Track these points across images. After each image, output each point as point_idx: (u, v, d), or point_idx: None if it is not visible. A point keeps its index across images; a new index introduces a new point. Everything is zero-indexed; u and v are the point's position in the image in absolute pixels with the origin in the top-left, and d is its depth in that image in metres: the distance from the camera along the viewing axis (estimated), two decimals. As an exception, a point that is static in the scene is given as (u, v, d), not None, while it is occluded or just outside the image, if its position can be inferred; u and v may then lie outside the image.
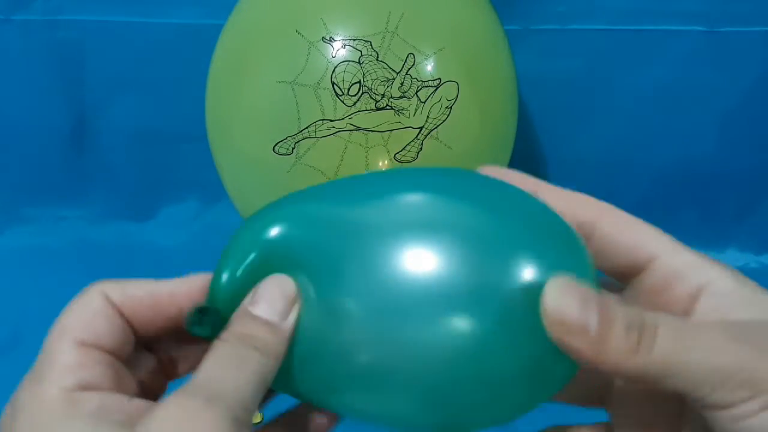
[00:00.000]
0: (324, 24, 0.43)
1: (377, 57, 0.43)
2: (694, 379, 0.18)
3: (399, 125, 0.44)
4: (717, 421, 0.18)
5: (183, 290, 0.23)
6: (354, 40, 0.43)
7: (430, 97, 0.44)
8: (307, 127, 0.43)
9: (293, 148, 0.44)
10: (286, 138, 0.44)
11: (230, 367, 0.20)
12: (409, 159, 0.44)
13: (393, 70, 0.43)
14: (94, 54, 0.63)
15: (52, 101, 0.65)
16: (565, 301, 0.18)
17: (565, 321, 0.18)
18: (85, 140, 0.68)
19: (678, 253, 0.20)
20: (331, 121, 0.43)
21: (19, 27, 0.61)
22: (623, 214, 0.21)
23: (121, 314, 0.21)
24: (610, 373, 0.18)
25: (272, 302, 0.21)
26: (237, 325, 0.21)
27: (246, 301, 0.21)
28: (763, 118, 0.63)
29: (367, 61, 0.43)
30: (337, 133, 0.43)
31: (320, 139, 0.43)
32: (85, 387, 0.20)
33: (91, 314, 0.21)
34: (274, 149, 0.45)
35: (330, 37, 0.43)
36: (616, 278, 0.22)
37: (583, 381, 0.21)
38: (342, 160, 0.44)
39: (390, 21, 0.43)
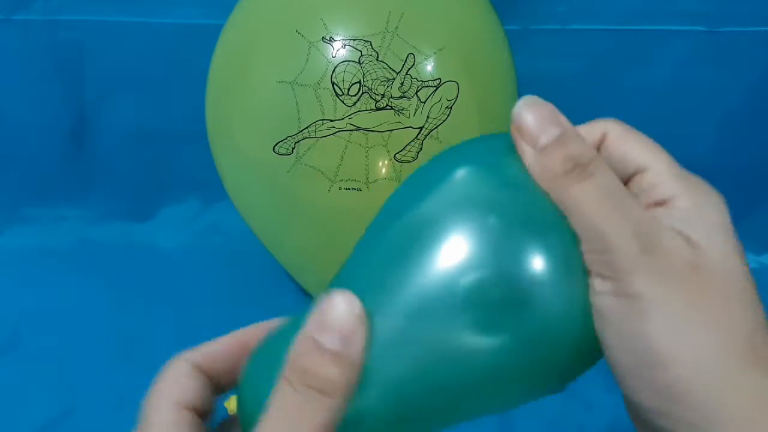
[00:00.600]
0: (324, 24, 0.43)
1: (377, 57, 0.43)
2: (582, 226, 0.20)
3: (399, 125, 0.44)
4: (589, 283, 0.20)
5: (251, 338, 0.23)
6: (354, 40, 0.43)
7: (430, 97, 0.44)
8: (307, 127, 0.43)
9: (293, 148, 0.44)
10: (286, 138, 0.44)
11: (293, 420, 0.18)
12: (409, 159, 0.44)
13: (393, 70, 0.43)
14: (94, 54, 0.63)
15: (52, 101, 0.65)
16: (531, 110, 0.21)
17: (521, 126, 0.21)
18: (85, 140, 0.68)
19: (665, 169, 0.22)
20: (331, 121, 0.43)
21: (19, 27, 0.61)
22: (622, 128, 0.23)
23: (204, 373, 0.22)
24: (541, 183, 0.20)
25: (340, 326, 0.19)
26: (298, 359, 0.19)
27: (311, 326, 0.19)
28: (763, 118, 0.63)
29: (367, 61, 0.43)
30: (337, 133, 0.43)
31: (320, 139, 0.43)
32: None
33: (181, 377, 0.22)
34: (274, 149, 0.45)
35: (330, 37, 0.43)
36: None
37: None
38: (342, 160, 0.44)
39: (390, 21, 0.43)
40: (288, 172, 0.45)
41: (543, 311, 0.20)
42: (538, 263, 0.20)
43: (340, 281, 0.21)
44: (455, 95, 0.44)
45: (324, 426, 0.18)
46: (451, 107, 0.44)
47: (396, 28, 0.43)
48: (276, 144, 0.44)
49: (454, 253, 0.20)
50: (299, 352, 0.19)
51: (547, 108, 0.21)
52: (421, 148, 0.44)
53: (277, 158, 0.45)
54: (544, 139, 0.20)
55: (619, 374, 0.20)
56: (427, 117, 0.44)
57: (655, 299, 0.19)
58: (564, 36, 0.60)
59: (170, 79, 0.63)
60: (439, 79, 0.44)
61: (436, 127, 0.44)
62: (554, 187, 0.20)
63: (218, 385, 0.23)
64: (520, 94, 0.54)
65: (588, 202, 0.19)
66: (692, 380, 0.18)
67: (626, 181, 0.22)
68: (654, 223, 0.20)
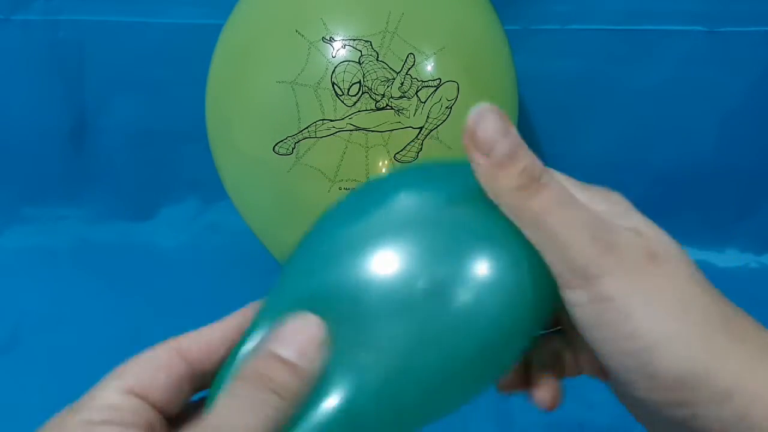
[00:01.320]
0: (324, 24, 0.43)
1: (377, 57, 0.43)
2: (548, 244, 0.20)
3: (399, 125, 0.44)
4: (564, 299, 0.21)
5: (240, 323, 0.23)
6: (354, 40, 0.43)
7: (430, 97, 0.44)
8: (307, 127, 0.43)
9: (293, 148, 0.44)
10: (286, 138, 0.44)
11: (244, 410, 0.19)
12: (409, 159, 0.44)
13: (393, 70, 0.43)
14: (94, 54, 0.63)
15: (52, 101, 0.65)
16: (486, 121, 0.20)
17: (475, 136, 0.20)
18: (85, 140, 0.68)
19: (567, 182, 0.22)
20: (331, 121, 0.43)
21: (19, 27, 0.61)
22: None
23: (189, 361, 0.22)
24: (493, 197, 0.21)
25: (298, 342, 0.20)
26: (257, 364, 0.20)
27: (270, 338, 0.21)
28: (763, 118, 0.63)
29: (367, 61, 0.43)
30: (337, 133, 0.43)
31: (320, 139, 0.43)
32: (108, 424, 0.20)
33: (150, 365, 0.21)
34: (274, 149, 0.45)
35: (330, 37, 0.43)
36: None
37: None
38: (342, 160, 0.44)
39: (390, 21, 0.43)
40: (288, 172, 0.45)
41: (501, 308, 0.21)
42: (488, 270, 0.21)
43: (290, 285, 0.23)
44: (455, 95, 0.44)
45: (270, 420, 0.19)
46: (451, 107, 0.44)
47: (396, 28, 0.43)
48: (276, 144, 0.44)
49: (408, 258, 0.21)
50: (257, 357, 0.20)
51: (501, 118, 0.20)
52: (421, 148, 0.44)
53: (277, 158, 0.45)
54: (498, 152, 0.20)
55: (621, 377, 0.20)
56: (427, 117, 0.44)
57: (629, 296, 0.19)
58: (564, 36, 0.60)
59: (170, 79, 0.63)
60: (439, 79, 0.44)
61: (436, 127, 0.44)
62: (509, 202, 0.20)
63: (204, 375, 0.22)
64: (520, 94, 0.54)
65: (546, 215, 0.20)
66: (687, 363, 0.19)
67: None
68: (607, 223, 0.20)
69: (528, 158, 0.20)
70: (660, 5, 0.58)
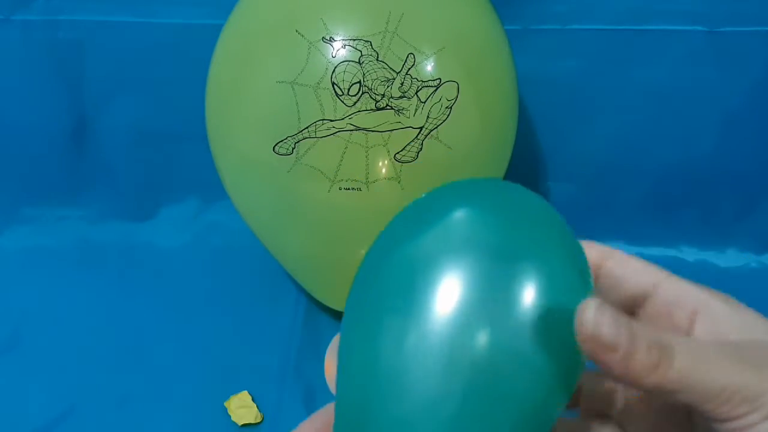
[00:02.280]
0: (324, 24, 0.43)
1: (377, 57, 0.43)
2: (704, 395, 0.20)
3: (399, 125, 0.44)
4: (730, 428, 0.20)
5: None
6: (354, 40, 0.43)
7: (430, 97, 0.44)
8: (307, 127, 0.43)
9: (293, 148, 0.44)
10: (286, 138, 0.44)
11: None
12: (409, 159, 0.44)
13: (393, 70, 0.43)
14: (94, 54, 0.63)
15: (52, 101, 0.65)
16: (600, 321, 0.20)
17: (600, 339, 0.20)
18: (85, 140, 0.68)
19: (674, 282, 0.23)
20: (331, 121, 0.43)
21: (19, 27, 0.61)
22: (623, 253, 0.24)
23: None
24: (633, 386, 0.20)
25: None
26: None
27: None
28: (763, 119, 0.63)
29: (367, 61, 0.43)
30: (337, 133, 0.43)
31: (320, 139, 0.43)
32: None
33: None
34: (274, 149, 0.45)
35: (330, 37, 0.43)
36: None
37: (591, 394, 0.26)
38: (342, 160, 0.44)
39: (390, 21, 0.43)
40: (288, 172, 0.45)
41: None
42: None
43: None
44: (455, 95, 0.44)
45: None
46: (451, 107, 0.44)
47: (396, 28, 0.43)
48: (276, 144, 0.44)
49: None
50: None
51: (605, 309, 0.20)
52: (421, 148, 0.44)
53: (277, 158, 0.45)
54: (624, 344, 0.20)
55: None
56: (427, 117, 0.44)
57: None
58: (564, 36, 0.60)
59: (170, 79, 0.63)
60: (439, 79, 0.44)
61: (436, 127, 0.44)
62: (652, 383, 0.20)
63: None
64: (520, 94, 0.54)
65: (690, 375, 0.20)
66: None
67: (641, 299, 0.24)
68: (740, 346, 0.21)
69: (644, 332, 0.20)
70: (660, 5, 0.58)
